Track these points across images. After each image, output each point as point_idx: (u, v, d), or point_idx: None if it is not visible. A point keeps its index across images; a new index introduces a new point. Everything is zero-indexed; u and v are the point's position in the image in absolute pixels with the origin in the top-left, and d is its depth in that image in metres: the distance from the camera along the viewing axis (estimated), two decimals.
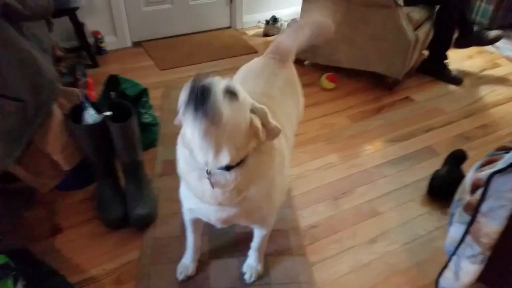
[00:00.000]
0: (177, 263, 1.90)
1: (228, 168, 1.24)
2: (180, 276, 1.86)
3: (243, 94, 1.20)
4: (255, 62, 1.94)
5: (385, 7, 3.10)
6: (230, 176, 1.26)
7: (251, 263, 1.90)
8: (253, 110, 1.23)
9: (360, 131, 2.96)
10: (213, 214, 1.44)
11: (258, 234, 1.77)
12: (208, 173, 1.25)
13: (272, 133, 1.28)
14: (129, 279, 1.88)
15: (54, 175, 2.04)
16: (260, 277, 1.89)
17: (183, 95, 1.09)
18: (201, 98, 1.02)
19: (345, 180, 2.51)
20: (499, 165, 1.34)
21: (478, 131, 3.00)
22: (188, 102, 1.04)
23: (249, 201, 1.37)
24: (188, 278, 1.88)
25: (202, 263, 1.93)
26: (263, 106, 1.27)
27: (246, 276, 1.88)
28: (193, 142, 1.17)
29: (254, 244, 1.83)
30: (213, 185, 1.27)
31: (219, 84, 1.08)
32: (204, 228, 1.86)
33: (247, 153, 1.26)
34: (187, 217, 1.72)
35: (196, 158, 1.22)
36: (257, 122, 1.23)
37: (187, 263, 1.89)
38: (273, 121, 1.28)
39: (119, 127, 2.00)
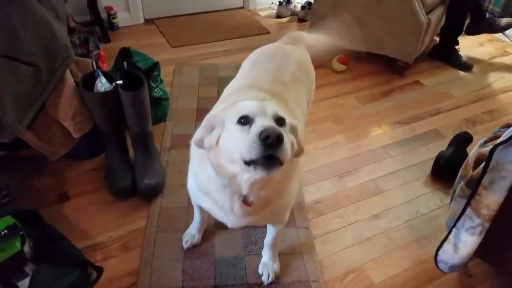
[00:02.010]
0: (183, 232, 1.94)
1: None
2: (186, 244, 1.89)
3: (288, 118, 1.16)
4: (268, 47, 1.90)
5: None
6: (263, 193, 1.20)
7: (267, 262, 1.82)
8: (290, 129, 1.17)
9: (369, 113, 2.98)
10: (230, 221, 1.38)
11: (273, 230, 1.69)
12: (244, 195, 1.21)
13: (298, 151, 1.21)
14: (135, 246, 1.92)
15: (64, 143, 2.06)
16: (277, 277, 1.81)
17: (201, 132, 1.16)
18: (273, 149, 0.99)
19: (351, 159, 2.53)
20: (502, 137, 1.35)
21: (484, 116, 3.02)
22: (257, 152, 0.99)
23: (273, 206, 1.32)
24: (193, 247, 1.91)
25: (207, 232, 1.97)
26: (295, 123, 1.21)
27: (264, 278, 1.80)
28: (242, 179, 1.12)
29: (268, 240, 1.75)
30: (247, 204, 1.23)
31: (284, 130, 1.05)
32: None
33: None
34: (196, 204, 1.71)
35: (233, 187, 1.18)
36: (294, 143, 1.17)
37: (193, 233, 1.91)
38: (300, 140, 1.21)
39: (130, 96, 2.02)
